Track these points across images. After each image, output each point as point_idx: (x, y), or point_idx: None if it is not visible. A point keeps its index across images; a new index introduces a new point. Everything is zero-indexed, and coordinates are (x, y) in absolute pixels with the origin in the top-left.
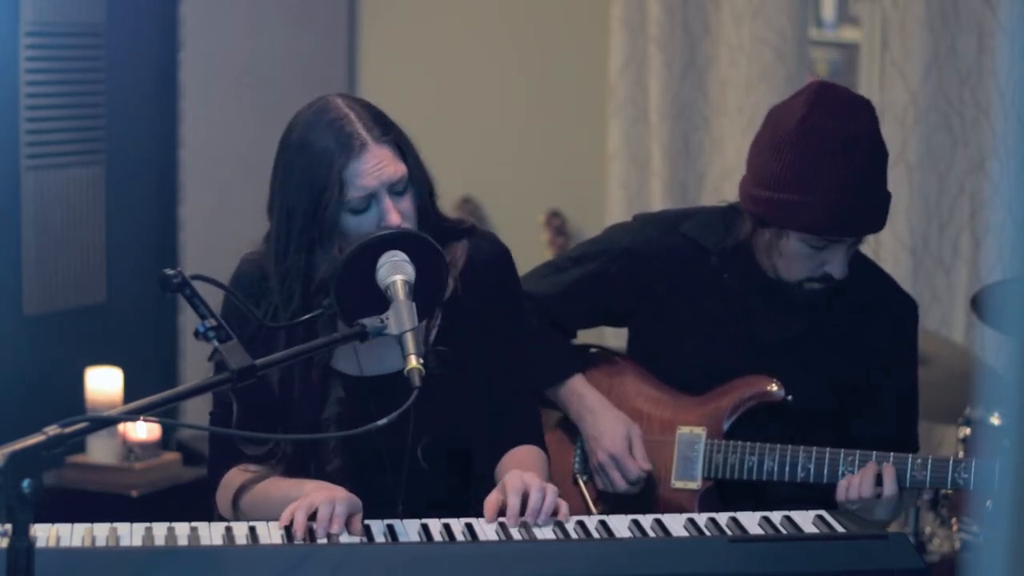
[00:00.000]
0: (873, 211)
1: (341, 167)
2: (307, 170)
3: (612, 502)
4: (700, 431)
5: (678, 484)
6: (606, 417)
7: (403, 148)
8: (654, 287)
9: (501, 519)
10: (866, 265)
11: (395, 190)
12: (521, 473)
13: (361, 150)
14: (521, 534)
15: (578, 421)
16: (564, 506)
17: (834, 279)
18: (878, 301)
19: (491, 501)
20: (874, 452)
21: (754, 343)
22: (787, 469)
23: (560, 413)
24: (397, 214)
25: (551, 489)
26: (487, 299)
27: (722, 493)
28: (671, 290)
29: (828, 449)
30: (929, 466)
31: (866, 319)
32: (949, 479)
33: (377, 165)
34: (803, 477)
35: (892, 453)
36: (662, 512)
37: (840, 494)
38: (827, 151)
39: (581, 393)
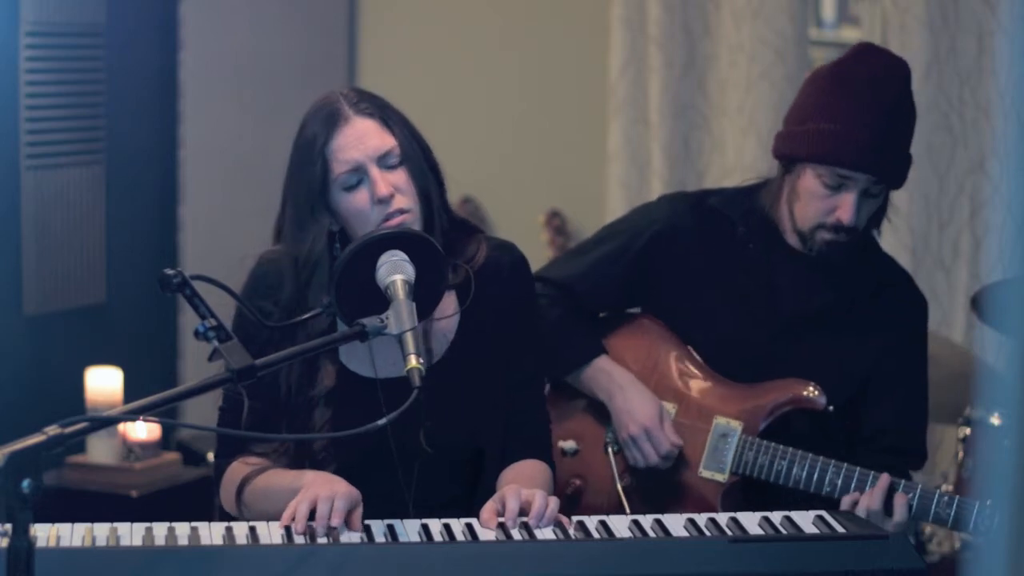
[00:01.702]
0: (887, 156)
1: (324, 143)
2: (299, 155)
3: (639, 476)
4: (737, 425)
5: (705, 473)
6: (637, 392)
7: (391, 124)
8: (683, 259)
9: (501, 519)
10: (882, 254)
11: (385, 163)
12: (520, 488)
13: (342, 123)
14: (521, 534)
15: (608, 398)
16: (565, 518)
17: (844, 226)
18: (893, 286)
19: (488, 511)
20: (903, 482)
21: (776, 317)
22: (814, 481)
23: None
24: (386, 184)
25: (554, 499)
26: (508, 305)
27: (745, 489)
28: (699, 261)
29: (858, 468)
30: (955, 506)
31: (880, 304)
32: (972, 522)
33: (359, 137)
34: (828, 492)
35: (920, 485)
36: (685, 497)
37: (845, 507)
38: (851, 88)
39: (609, 371)
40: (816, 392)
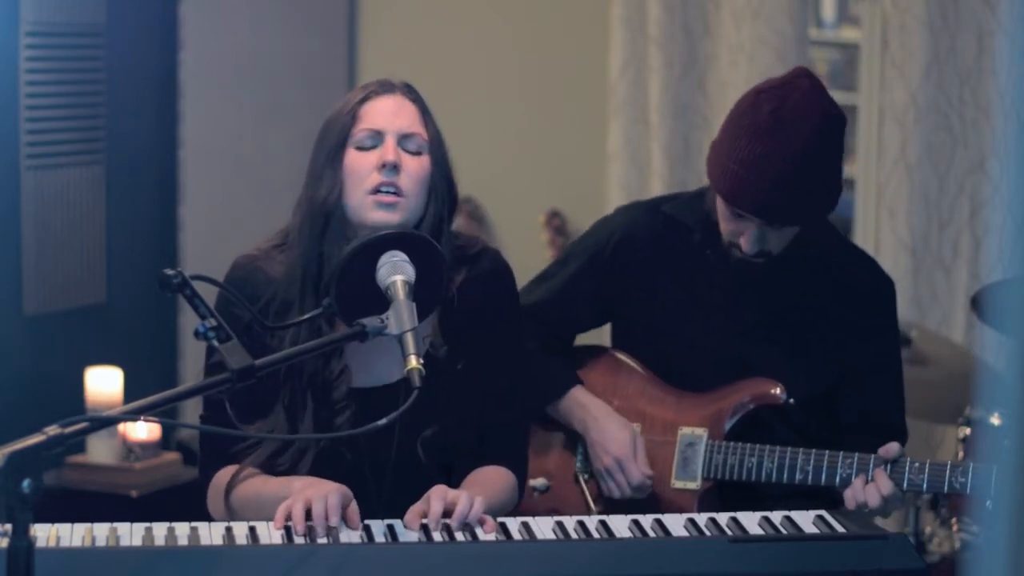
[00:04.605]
0: (789, 204)
1: (360, 101)
2: (334, 112)
3: (611, 501)
4: (701, 432)
5: (678, 484)
6: (611, 423)
7: (428, 122)
8: (646, 267)
9: (425, 520)
10: (842, 242)
11: (406, 145)
12: (447, 489)
13: (385, 92)
14: (521, 534)
15: (583, 430)
16: (490, 521)
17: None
18: (854, 278)
19: (413, 512)
20: (872, 456)
21: (741, 321)
22: (786, 471)
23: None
24: (395, 154)
25: (479, 500)
26: (484, 311)
27: (721, 492)
28: (660, 270)
29: (827, 452)
30: (927, 469)
31: (843, 296)
32: (946, 483)
33: (393, 110)
34: (801, 479)
35: (890, 459)
36: (662, 512)
37: (849, 504)
38: (758, 126)
39: (584, 403)
40: (775, 388)
